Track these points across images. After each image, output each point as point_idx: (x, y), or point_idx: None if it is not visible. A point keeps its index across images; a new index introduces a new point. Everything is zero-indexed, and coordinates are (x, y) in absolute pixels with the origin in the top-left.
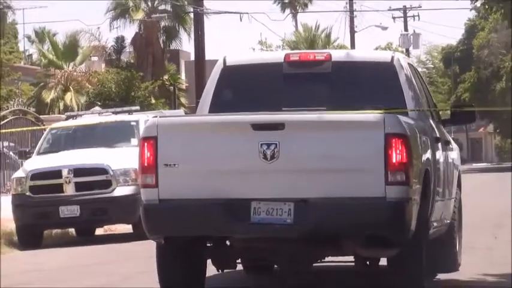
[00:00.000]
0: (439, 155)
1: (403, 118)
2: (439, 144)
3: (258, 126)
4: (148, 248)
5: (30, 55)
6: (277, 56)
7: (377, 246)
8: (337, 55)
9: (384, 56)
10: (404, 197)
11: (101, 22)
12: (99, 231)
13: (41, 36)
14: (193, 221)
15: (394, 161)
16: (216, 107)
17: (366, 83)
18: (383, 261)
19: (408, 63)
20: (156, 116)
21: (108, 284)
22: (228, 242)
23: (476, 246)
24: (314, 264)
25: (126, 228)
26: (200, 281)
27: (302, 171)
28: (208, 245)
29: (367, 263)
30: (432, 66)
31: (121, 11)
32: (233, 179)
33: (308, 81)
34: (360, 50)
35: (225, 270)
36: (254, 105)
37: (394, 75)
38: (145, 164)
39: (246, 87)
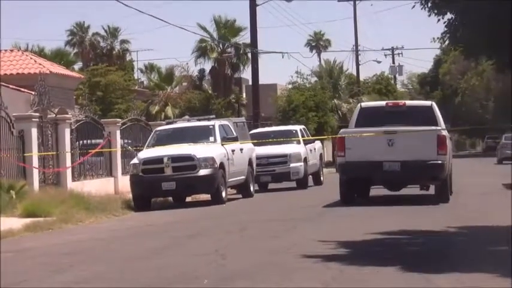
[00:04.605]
0: (451, 144)
1: (442, 129)
2: (450, 140)
3: (386, 132)
4: (220, 212)
5: (142, 82)
6: (382, 103)
7: (432, 180)
8: (408, 103)
9: (428, 103)
10: (445, 161)
11: (189, 59)
12: (188, 199)
13: (149, 69)
14: (359, 170)
15: (440, 144)
16: (357, 125)
17: (420, 115)
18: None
19: (436, 106)
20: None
21: (197, 232)
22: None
23: (466, 205)
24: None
25: (206, 197)
26: (354, 198)
27: (403, 149)
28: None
29: (425, 187)
30: (412, 87)
31: (202, 52)
32: (375, 153)
33: (395, 114)
34: (417, 101)
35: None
36: (374, 125)
37: (432, 111)
38: (341, 147)
39: (370, 117)
